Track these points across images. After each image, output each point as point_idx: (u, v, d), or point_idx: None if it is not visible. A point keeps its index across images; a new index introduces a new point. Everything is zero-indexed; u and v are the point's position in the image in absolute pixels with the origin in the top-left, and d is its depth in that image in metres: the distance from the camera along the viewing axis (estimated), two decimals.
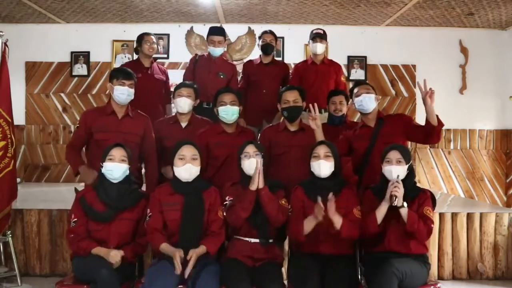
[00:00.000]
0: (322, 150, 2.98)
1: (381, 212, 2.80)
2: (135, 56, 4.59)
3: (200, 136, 3.45)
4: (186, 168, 2.86)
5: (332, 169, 2.96)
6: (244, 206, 2.87)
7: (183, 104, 3.62)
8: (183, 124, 3.68)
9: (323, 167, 2.94)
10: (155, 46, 4.42)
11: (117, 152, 2.92)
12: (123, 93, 3.35)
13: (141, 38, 4.39)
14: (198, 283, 2.68)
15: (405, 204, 2.79)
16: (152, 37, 4.40)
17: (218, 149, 3.41)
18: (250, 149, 3.00)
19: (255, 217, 2.89)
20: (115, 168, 2.89)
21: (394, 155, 2.91)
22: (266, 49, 4.56)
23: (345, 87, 4.55)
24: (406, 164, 2.90)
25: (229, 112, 3.43)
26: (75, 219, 2.86)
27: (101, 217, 2.85)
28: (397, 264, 2.70)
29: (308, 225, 2.81)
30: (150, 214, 2.86)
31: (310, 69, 4.44)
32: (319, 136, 3.26)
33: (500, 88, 6.56)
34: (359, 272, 3.02)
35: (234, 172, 3.12)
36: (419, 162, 6.54)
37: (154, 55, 4.46)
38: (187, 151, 2.90)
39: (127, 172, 2.95)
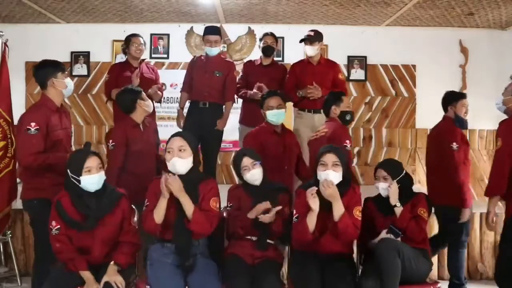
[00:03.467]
0: (330, 158, 2.90)
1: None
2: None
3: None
4: (173, 161, 2.80)
5: (340, 178, 2.89)
6: (242, 225, 2.95)
7: (150, 104, 3.66)
8: (141, 126, 3.62)
9: (331, 177, 2.86)
10: (143, 47, 4.47)
11: (93, 162, 2.76)
12: (72, 85, 3.30)
13: (129, 40, 4.44)
14: (200, 284, 2.70)
15: (398, 204, 2.97)
16: (140, 38, 4.44)
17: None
18: (247, 161, 3.05)
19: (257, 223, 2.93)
20: (95, 179, 2.76)
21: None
22: (267, 51, 4.59)
23: (344, 85, 4.56)
24: (393, 179, 3.04)
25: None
26: (57, 226, 2.73)
27: (82, 226, 2.74)
28: (394, 243, 2.84)
29: (311, 220, 2.83)
30: (147, 204, 2.83)
31: (306, 70, 4.44)
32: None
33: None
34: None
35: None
36: (419, 162, 6.54)
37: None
38: (175, 143, 2.83)
39: (104, 177, 2.83)
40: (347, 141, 3.64)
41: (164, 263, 2.79)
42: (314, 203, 2.80)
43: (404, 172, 3.15)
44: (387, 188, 3.02)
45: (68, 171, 2.77)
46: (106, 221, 2.79)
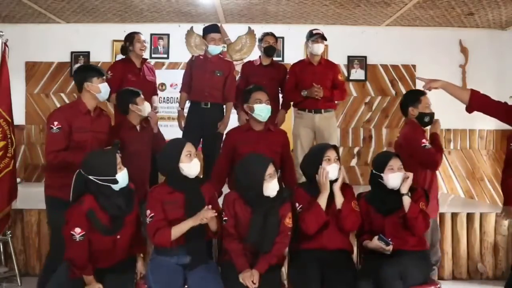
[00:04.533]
0: (333, 154, 3.01)
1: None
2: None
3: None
4: (195, 162, 2.84)
5: (339, 172, 3.02)
6: (240, 240, 2.87)
7: (148, 108, 3.64)
8: (138, 127, 3.65)
9: (335, 169, 2.99)
10: (146, 45, 4.45)
11: (119, 158, 2.78)
12: (108, 90, 3.30)
13: (132, 37, 4.37)
14: (200, 283, 2.70)
15: (409, 193, 2.95)
16: (142, 36, 4.42)
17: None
18: (272, 169, 2.83)
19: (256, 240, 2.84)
20: (126, 174, 2.78)
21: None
22: (269, 50, 4.58)
23: (344, 86, 4.55)
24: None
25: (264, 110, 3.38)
26: (82, 233, 2.62)
27: (111, 231, 2.71)
28: (393, 262, 2.79)
29: (322, 200, 2.92)
30: (152, 215, 2.75)
31: (307, 70, 4.42)
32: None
33: (500, 88, 6.54)
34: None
35: None
36: None
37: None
38: (192, 149, 2.88)
39: None
40: (424, 140, 3.42)
41: (165, 262, 2.80)
42: (327, 184, 2.93)
43: None
44: (405, 177, 2.96)
45: (94, 174, 2.68)
46: (128, 220, 2.79)
